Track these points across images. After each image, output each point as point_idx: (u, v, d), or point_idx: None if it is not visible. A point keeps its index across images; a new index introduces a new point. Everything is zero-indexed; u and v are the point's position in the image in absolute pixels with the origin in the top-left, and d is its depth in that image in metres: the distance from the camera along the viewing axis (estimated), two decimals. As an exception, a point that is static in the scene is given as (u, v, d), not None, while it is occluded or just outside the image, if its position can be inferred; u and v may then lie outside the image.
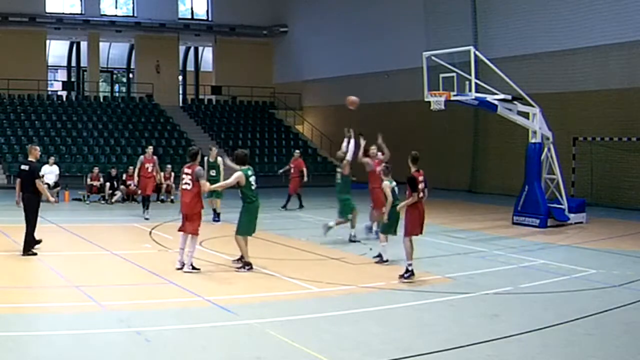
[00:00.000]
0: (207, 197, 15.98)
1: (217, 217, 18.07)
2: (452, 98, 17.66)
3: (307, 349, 7.63)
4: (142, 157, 20.09)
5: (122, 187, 23.60)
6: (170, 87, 39.27)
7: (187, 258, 11.61)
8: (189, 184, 11.71)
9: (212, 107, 39.71)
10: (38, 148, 13.66)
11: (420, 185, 11.33)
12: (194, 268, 11.60)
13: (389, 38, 32.46)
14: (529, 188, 18.50)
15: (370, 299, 10.22)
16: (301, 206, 21.98)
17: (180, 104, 39.96)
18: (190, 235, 11.69)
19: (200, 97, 41.54)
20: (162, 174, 22.15)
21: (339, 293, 10.54)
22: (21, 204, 13.10)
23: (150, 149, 20.52)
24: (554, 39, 24.91)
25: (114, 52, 41.86)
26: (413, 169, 11.49)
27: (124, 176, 23.86)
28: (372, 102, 34.16)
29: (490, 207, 23.40)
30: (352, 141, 15.64)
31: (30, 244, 12.93)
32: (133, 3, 38.44)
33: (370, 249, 14.09)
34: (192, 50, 43.54)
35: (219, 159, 18.31)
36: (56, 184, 23.20)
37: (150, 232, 16.13)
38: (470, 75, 17.39)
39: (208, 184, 12.58)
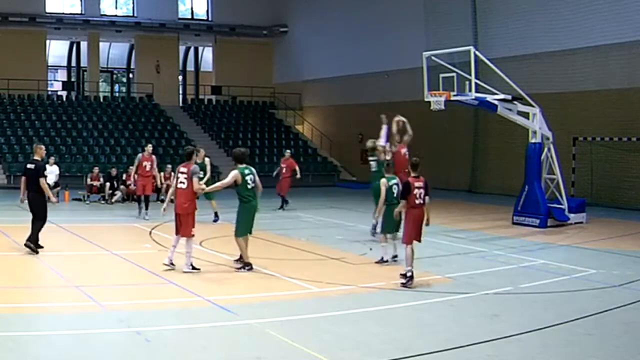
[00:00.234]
0: (205, 198, 15.95)
1: (216, 217, 18.03)
2: (452, 98, 17.66)
3: (307, 349, 7.63)
4: (140, 155, 19.69)
5: (122, 187, 23.59)
6: (170, 87, 39.29)
7: (186, 259, 11.58)
8: (184, 183, 11.68)
9: (212, 107, 39.72)
10: (43, 147, 13.80)
11: (416, 192, 11.01)
12: (194, 268, 11.59)
13: (389, 38, 32.47)
14: (529, 188, 18.50)
15: (370, 299, 10.22)
16: (282, 207, 21.56)
17: (180, 104, 39.98)
18: (185, 239, 11.63)
19: (200, 97, 41.55)
20: (162, 174, 22.11)
21: (339, 293, 10.53)
22: (25, 202, 13.19)
23: (149, 147, 20.05)
24: (554, 39, 24.91)
25: (114, 52, 41.86)
26: (412, 175, 11.27)
27: (124, 176, 23.85)
28: (372, 102, 34.22)
29: (490, 207, 23.41)
30: (385, 127, 15.54)
31: (36, 238, 13.04)
32: (133, 3, 38.45)
33: (371, 249, 14.10)
34: (192, 50, 43.55)
35: (207, 159, 18.22)
36: (56, 184, 23.17)
37: (150, 232, 16.13)
38: (470, 75, 17.39)
39: (203, 185, 12.54)
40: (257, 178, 11.98)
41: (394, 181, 12.63)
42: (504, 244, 15.61)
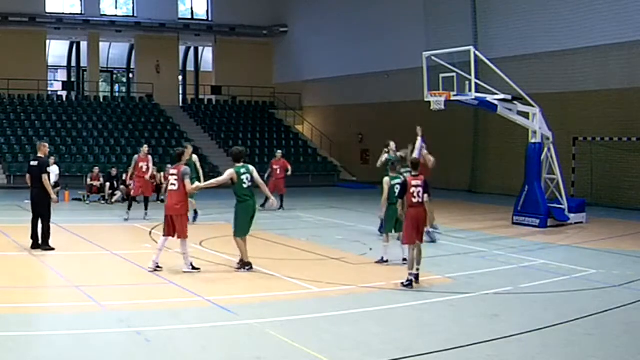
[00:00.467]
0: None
1: (195, 214, 17.75)
2: (452, 98, 17.66)
3: (307, 349, 7.63)
4: (136, 156, 19.44)
5: (122, 187, 23.58)
6: (170, 87, 39.30)
7: (185, 259, 11.55)
8: (175, 185, 11.63)
9: (212, 107, 39.72)
10: (47, 145, 14.00)
11: (413, 190, 10.91)
12: (194, 268, 11.59)
13: (389, 38, 32.48)
14: (529, 188, 18.50)
15: (370, 299, 10.22)
16: (263, 205, 19.35)
17: (180, 104, 39.98)
18: (179, 239, 11.58)
19: (200, 97, 41.56)
20: (162, 173, 22.04)
21: (339, 293, 10.53)
22: (26, 201, 13.27)
23: (144, 148, 19.83)
24: (554, 39, 24.92)
25: (114, 52, 41.87)
26: (412, 174, 11.19)
27: (124, 176, 23.83)
28: (372, 102, 34.27)
29: (490, 207, 23.40)
30: (420, 139, 15.66)
31: (48, 239, 13.17)
32: (133, 3, 38.45)
33: (371, 249, 14.10)
34: (192, 50, 43.56)
35: (194, 156, 18.02)
36: (56, 184, 23.16)
37: (150, 232, 16.12)
38: (470, 75, 17.38)
39: (197, 184, 12.48)
40: (256, 176, 11.88)
41: (397, 181, 12.48)
42: (504, 244, 15.61)
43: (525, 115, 18.65)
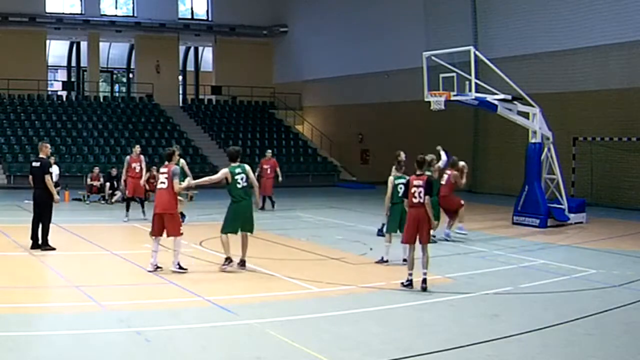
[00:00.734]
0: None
1: (182, 218, 17.61)
2: (452, 98, 17.66)
3: (307, 349, 7.63)
4: (128, 157, 19.14)
5: (122, 187, 23.55)
6: (170, 87, 39.30)
7: (175, 257, 11.46)
8: (164, 183, 11.59)
9: (212, 107, 39.73)
10: (49, 145, 13.94)
11: (414, 190, 10.75)
12: (181, 268, 11.46)
13: (389, 38, 32.48)
14: (529, 188, 18.50)
15: (370, 299, 10.22)
16: (263, 208, 20.47)
17: (180, 104, 39.99)
18: (173, 238, 11.53)
19: (200, 97, 41.56)
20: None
21: (339, 293, 10.53)
22: (27, 201, 13.27)
23: (137, 148, 19.44)
24: (554, 39, 24.92)
25: (114, 52, 41.88)
26: (416, 173, 10.98)
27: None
28: (372, 102, 34.26)
29: (490, 207, 23.39)
30: (444, 154, 15.82)
31: (47, 239, 13.18)
32: (133, 3, 38.46)
33: (371, 249, 14.10)
34: (192, 50, 43.57)
35: (182, 160, 17.73)
36: (56, 184, 23.12)
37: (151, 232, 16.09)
38: (470, 75, 17.39)
39: (190, 180, 12.44)
40: (251, 176, 11.85)
41: (401, 180, 12.36)
42: (504, 244, 15.61)
43: (525, 115, 18.65)
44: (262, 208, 20.73)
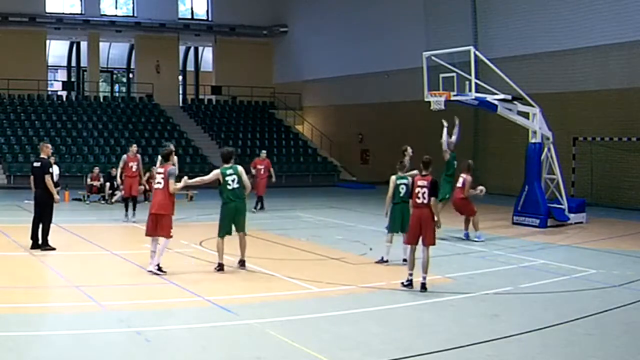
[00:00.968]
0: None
1: None
2: (452, 98, 17.66)
3: (307, 349, 7.63)
4: (124, 156, 18.96)
5: (121, 187, 23.54)
6: (170, 87, 39.30)
7: (156, 258, 11.37)
8: (160, 183, 11.57)
9: (212, 107, 39.73)
10: (49, 145, 13.93)
11: (417, 190, 10.69)
12: (160, 270, 11.35)
13: (389, 38, 32.47)
14: (529, 188, 18.50)
15: (370, 299, 10.22)
16: (262, 207, 21.16)
17: (180, 104, 39.98)
18: (162, 239, 11.48)
19: (200, 97, 41.55)
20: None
21: (339, 293, 10.53)
22: (28, 201, 13.27)
23: (133, 147, 19.25)
24: (554, 39, 24.92)
25: (114, 52, 41.87)
26: (422, 174, 10.91)
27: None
28: (372, 102, 34.26)
29: (490, 207, 23.33)
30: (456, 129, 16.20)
31: (47, 239, 13.19)
32: (133, 3, 38.45)
33: (371, 249, 14.10)
34: (192, 50, 43.56)
35: (174, 158, 17.79)
36: (56, 184, 23.11)
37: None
38: (470, 75, 17.39)
39: (186, 179, 12.47)
40: (244, 178, 11.76)
41: (403, 181, 12.29)
42: (504, 244, 15.61)
43: (525, 115, 18.66)
44: (256, 208, 20.82)
